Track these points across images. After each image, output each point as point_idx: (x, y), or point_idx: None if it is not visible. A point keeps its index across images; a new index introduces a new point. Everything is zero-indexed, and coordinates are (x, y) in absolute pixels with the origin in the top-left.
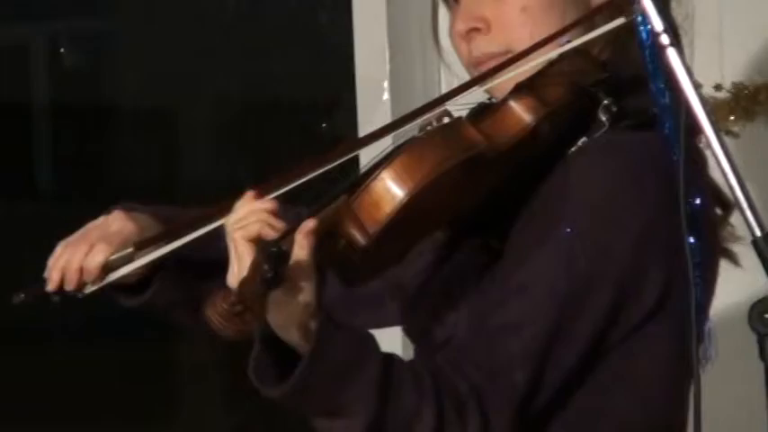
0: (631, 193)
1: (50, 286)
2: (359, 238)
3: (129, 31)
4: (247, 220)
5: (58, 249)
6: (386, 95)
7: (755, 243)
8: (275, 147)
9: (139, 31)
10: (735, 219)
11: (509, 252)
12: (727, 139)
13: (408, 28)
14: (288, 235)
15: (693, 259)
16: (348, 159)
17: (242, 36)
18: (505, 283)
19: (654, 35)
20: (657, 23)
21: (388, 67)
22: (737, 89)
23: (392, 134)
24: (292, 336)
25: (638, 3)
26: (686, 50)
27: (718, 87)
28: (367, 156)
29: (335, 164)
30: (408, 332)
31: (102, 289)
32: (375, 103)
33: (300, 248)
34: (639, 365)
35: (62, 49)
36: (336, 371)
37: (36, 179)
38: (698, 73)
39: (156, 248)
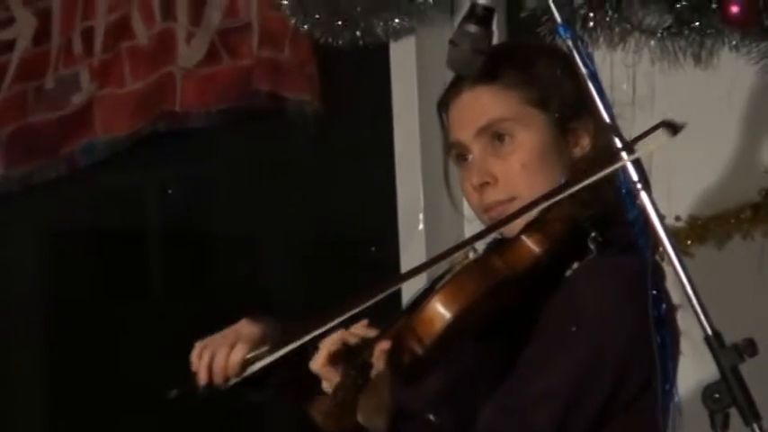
0: (621, 303)
1: (201, 382)
2: (417, 348)
3: (221, 175)
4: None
5: (198, 349)
6: (421, 225)
7: (707, 340)
8: (337, 265)
9: (230, 174)
10: (691, 320)
11: (529, 352)
12: (684, 259)
13: (438, 173)
14: (366, 349)
15: (665, 351)
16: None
17: (310, 179)
18: (528, 377)
19: (631, 182)
20: (634, 174)
21: (422, 203)
22: (692, 220)
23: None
24: (375, 424)
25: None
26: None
27: (677, 219)
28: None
29: (386, 293)
30: None
31: (243, 382)
32: (413, 230)
33: (379, 360)
34: (634, 428)
35: (169, 191)
36: None
37: (149, 288)
38: (661, 207)
39: (284, 346)
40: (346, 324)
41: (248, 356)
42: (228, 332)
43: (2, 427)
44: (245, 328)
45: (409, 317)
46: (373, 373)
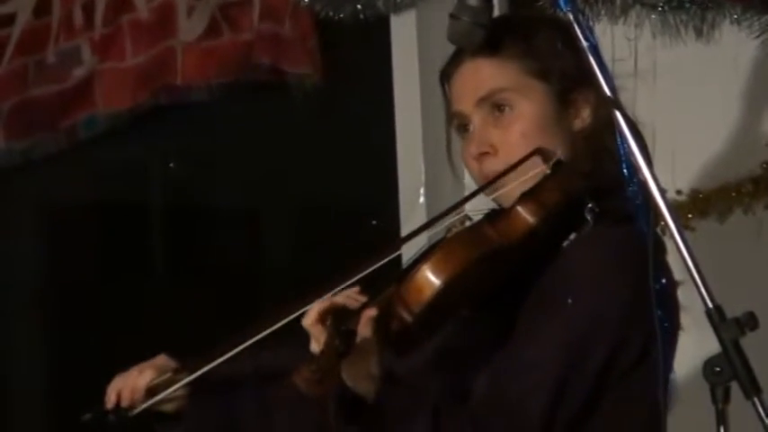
0: (615, 275)
1: (107, 405)
2: (406, 316)
3: (222, 149)
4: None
5: (115, 378)
6: (422, 198)
7: (708, 313)
8: (337, 238)
9: (231, 148)
10: (692, 294)
11: (524, 324)
12: (686, 232)
13: (439, 147)
14: (353, 316)
15: (662, 324)
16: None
17: (311, 153)
18: (524, 346)
19: (631, 156)
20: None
21: (423, 177)
22: (694, 194)
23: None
24: (362, 389)
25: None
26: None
27: (679, 192)
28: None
29: (385, 261)
30: None
31: (149, 409)
32: (413, 204)
33: (365, 327)
34: (628, 403)
35: (171, 164)
36: (395, 420)
37: (151, 263)
38: (663, 181)
39: (189, 374)
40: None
41: (154, 383)
42: (143, 364)
43: (2, 403)
44: (160, 359)
45: (399, 284)
46: (358, 339)
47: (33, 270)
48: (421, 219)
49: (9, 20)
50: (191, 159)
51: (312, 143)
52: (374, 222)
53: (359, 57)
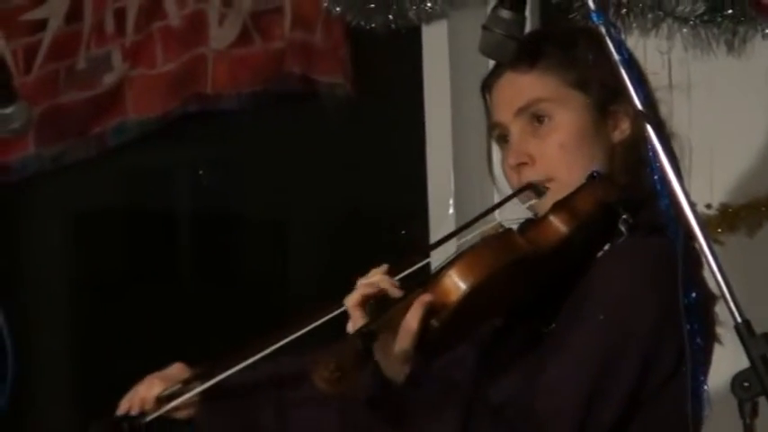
0: (648, 287)
1: (118, 411)
2: (432, 320)
3: (252, 158)
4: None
5: (131, 391)
6: (451, 210)
7: (737, 328)
8: (366, 247)
9: (260, 157)
10: (720, 308)
11: (557, 334)
12: (715, 246)
13: (469, 158)
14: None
15: (695, 339)
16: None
17: (341, 163)
18: (556, 360)
19: (662, 169)
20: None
21: (453, 187)
22: (723, 208)
23: (456, 241)
24: (398, 376)
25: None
26: (685, 177)
27: (708, 206)
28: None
29: (414, 268)
30: None
31: (163, 417)
32: (443, 214)
33: (412, 317)
34: (661, 418)
35: (200, 172)
36: (427, 408)
37: (177, 270)
38: (693, 194)
39: (203, 382)
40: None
41: (165, 393)
42: (156, 373)
43: (28, 408)
44: (175, 369)
45: (425, 287)
46: (377, 346)
47: (61, 276)
48: (450, 229)
49: (41, 25)
50: (219, 167)
51: (342, 153)
52: (403, 232)
53: (390, 67)
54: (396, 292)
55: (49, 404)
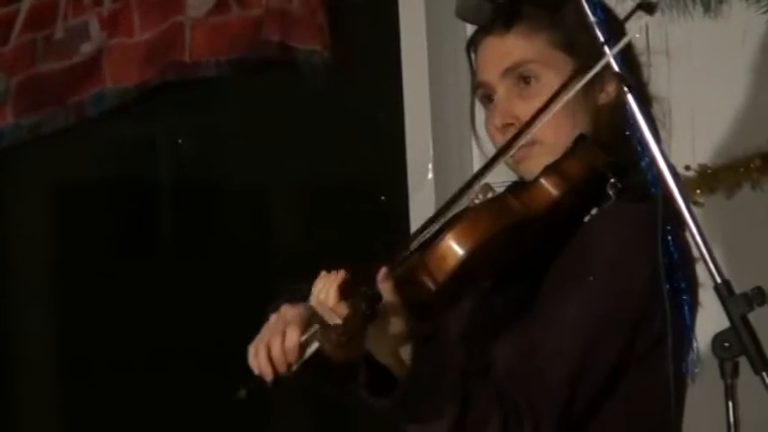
0: (636, 252)
1: (268, 377)
2: (430, 284)
3: (231, 125)
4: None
5: (253, 349)
6: (430, 174)
7: (717, 288)
8: (346, 214)
9: (239, 125)
10: (700, 269)
11: (545, 298)
12: (694, 208)
13: (447, 122)
14: (369, 281)
15: (682, 295)
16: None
17: (320, 129)
18: (545, 322)
19: (639, 129)
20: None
21: (431, 153)
22: (702, 169)
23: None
24: (389, 360)
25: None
26: (666, 139)
27: (687, 168)
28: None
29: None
30: None
31: (305, 365)
32: (422, 180)
33: (384, 291)
34: (651, 377)
35: (179, 141)
36: (426, 388)
37: (158, 240)
38: (674, 156)
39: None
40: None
41: (303, 339)
42: (273, 321)
43: (12, 382)
44: (289, 311)
45: (423, 253)
46: (382, 304)
47: (41, 247)
48: (429, 194)
49: None
50: (199, 136)
51: (320, 119)
52: (383, 198)
53: (367, 33)
54: (367, 272)
55: (32, 377)
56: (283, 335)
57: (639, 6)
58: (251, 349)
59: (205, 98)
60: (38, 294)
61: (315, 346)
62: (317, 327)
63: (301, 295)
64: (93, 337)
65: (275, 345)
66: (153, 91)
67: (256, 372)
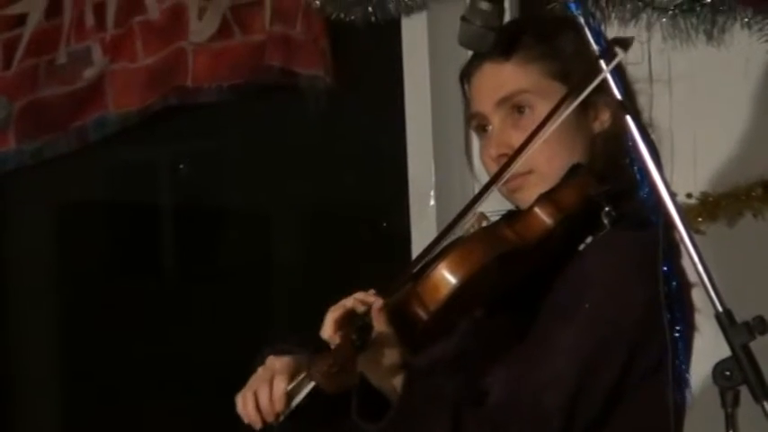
0: (631, 280)
1: (257, 426)
2: (422, 314)
3: (233, 151)
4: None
5: (241, 398)
6: (432, 201)
7: (718, 317)
8: (348, 239)
9: (241, 150)
10: (701, 297)
11: (540, 325)
12: (696, 236)
13: (450, 150)
14: (369, 314)
15: (677, 326)
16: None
17: (322, 155)
18: (540, 350)
19: (641, 159)
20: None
21: (433, 180)
22: (704, 197)
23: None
24: (385, 386)
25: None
26: (668, 167)
27: (689, 195)
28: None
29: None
30: None
31: (293, 414)
32: (424, 206)
33: (378, 322)
34: (647, 405)
35: (181, 166)
36: (415, 417)
37: (159, 264)
38: (676, 184)
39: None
40: None
41: (289, 388)
42: (260, 372)
43: (14, 401)
44: (276, 362)
45: (415, 282)
46: (374, 334)
47: (43, 270)
48: (431, 221)
49: (20, 20)
50: (200, 161)
51: (323, 145)
52: (384, 224)
53: (370, 59)
54: (362, 304)
55: (33, 396)
56: (271, 384)
57: (615, 42)
58: (239, 399)
59: (207, 123)
60: (40, 316)
61: (301, 395)
62: (303, 375)
63: (287, 350)
64: (94, 357)
65: (263, 394)
66: (155, 116)
67: (246, 421)
